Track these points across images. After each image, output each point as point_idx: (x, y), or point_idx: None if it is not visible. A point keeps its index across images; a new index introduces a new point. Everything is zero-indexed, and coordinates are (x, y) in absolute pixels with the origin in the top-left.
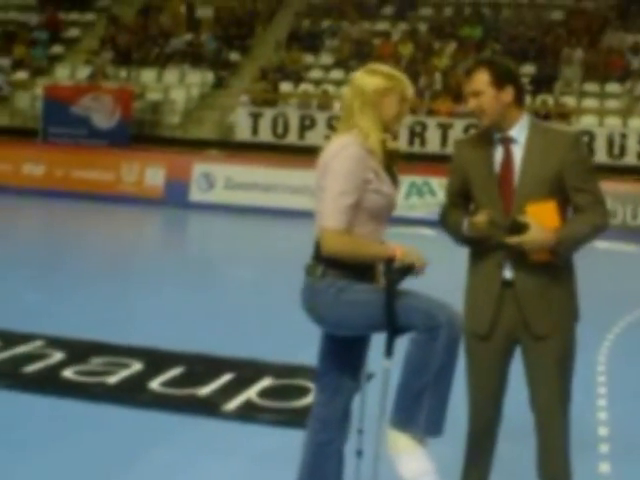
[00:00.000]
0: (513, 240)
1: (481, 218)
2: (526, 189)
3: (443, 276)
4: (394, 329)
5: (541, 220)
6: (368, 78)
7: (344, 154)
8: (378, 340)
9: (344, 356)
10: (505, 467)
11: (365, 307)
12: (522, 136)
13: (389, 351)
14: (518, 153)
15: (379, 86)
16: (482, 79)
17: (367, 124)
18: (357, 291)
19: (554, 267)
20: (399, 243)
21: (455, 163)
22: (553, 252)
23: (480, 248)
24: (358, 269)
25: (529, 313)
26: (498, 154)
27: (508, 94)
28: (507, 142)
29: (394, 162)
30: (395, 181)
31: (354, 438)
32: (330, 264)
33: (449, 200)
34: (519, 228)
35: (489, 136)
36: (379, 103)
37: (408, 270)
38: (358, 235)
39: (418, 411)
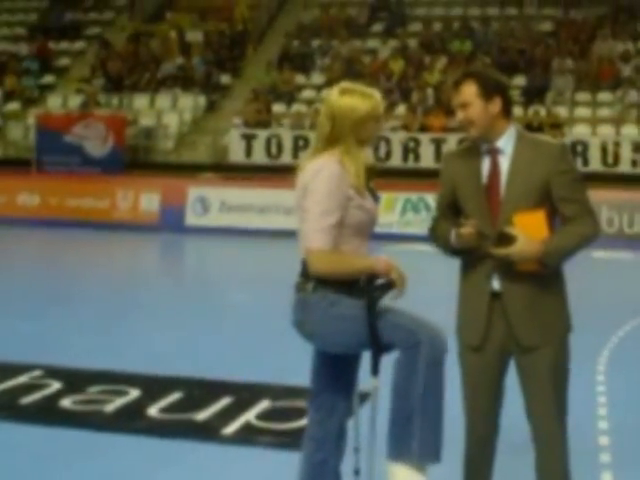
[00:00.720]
0: (500, 252)
1: (467, 229)
2: (512, 200)
3: (440, 291)
4: (378, 347)
5: (529, 230)
6: (346, 100)
7: (323, 174)
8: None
9: (337, 375)
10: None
11: (351, 323)
12: (509, 147)
13: (375, 369)
14: (505, 164)
15: (360, 113)
16: (470, 91)
17: (344, 146)
18: (346, 307)
19: (542, 278)
20: (382, 257)
21: (444, 175)
22: (541, 263)
23: (470, 259)
24: (348, 283)
25: (517, 325)
26: (485, 165)
27: (496, 105)
28: (494, 153)
29: (371, 178)
30: (374, 196)
31: (351, 457)
32: (320, 279)
33: (439, 212)
34: (506, 239)
35: (477, 148)
36: (359, 127)
37: (388, 286)
38: (344, 252)
39: (409, 438)
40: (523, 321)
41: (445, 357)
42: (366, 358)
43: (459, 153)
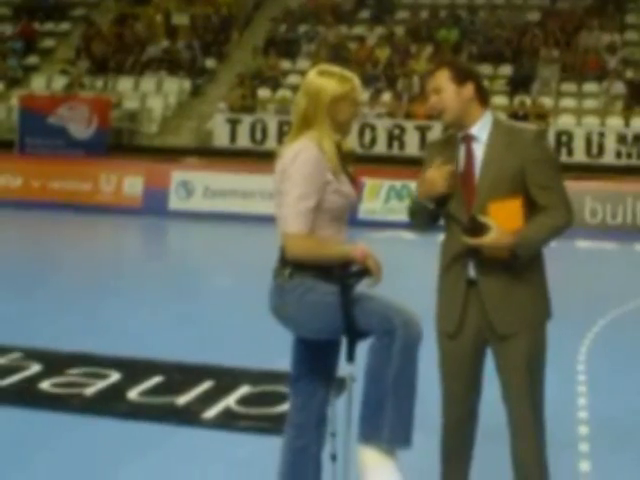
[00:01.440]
0: (473, 242)
1: (430, 171)
2: (486, 187)
3: (422, 279)
4: (354, 333)
5: (503, 219)
6: (323, 81)
7: (302, 158)
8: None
9: (317, 360)
10: (487, 468)
11: (326, 309)
12: (484, 134)
13: (350, 355)
14: (480, 151)
15: (335, 92)
16: (443, 76)
17: (321, 127)
18: (322, 293)
19: (518, 266)
20: (359, 244)
21: (426, 164)
22: (512, 253)
23: (448, 247)
24: (325, 269)
25: (492, 313)
26: (462, 153)
27: (468, 90)
28: (468, 140)
29: (349, 163)
30: (353, 181)
31: (328, 442)
32: (297, 266)
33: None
34: (478, 227)
35: (456, 136)
36: (334, 109)
37: (363, 273)
38: (321, 238)
39: (381, 422)
40: (498, 309)
41: (419, 343)
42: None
43: (440, 142)
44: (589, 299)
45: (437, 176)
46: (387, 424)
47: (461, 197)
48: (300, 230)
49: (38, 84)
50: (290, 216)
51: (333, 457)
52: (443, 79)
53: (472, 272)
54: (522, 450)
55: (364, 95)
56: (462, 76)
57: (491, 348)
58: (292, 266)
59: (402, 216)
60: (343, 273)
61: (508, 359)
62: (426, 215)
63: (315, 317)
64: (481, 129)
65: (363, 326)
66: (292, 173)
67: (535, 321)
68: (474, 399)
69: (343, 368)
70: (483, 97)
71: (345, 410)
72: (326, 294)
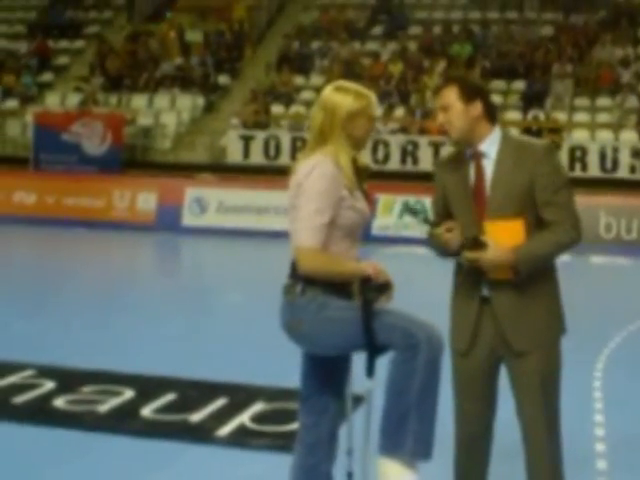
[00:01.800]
0: (470, 256)
1: (439, 230)
2: (496, 204)
3: (436, 295)
4: (374, 348)
5: (503, 238)
6: (339, 97)
7: (317, 172)
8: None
9: (326, 377)
10: None
11: (344, 325)
12: (493, 150)
13: (370, 371)
14: (489, 168)
15: (351, 108)
16: (451, 94)
17: (337, 143)
18: (338, 308)
19: (529, 282)
20: (371, 261)
21: (436, 182)
22: (514, 270)
23: (461, 265)
24: (337, 285)
25: (507, 330)
26: (472, 170)
27: (476, 108)
28: (478, 157)
29: (364, 179)
30: (367, 197)
31: (344, 459)
32: (309, 281)
33: (435, 218)
34: (477, 245)
35: (465, 153)
36: (350, 124)
37: (384, 288)
38: (333, 253)
39: (404, 435)
40: (514, 326)
41: (442, 356)
42: (357, 360)
43: (449, 159)
44: (604, 315)
45: (450, 237)
46: (410, 437)
47: (472, 214)
48: (313, 245)
49: (52, 101)
50: (303, 230)
51: (349, 475)
52: (451, 97)
53: (485, 290)
54: (538, 468)
55: (377, 111)
56: (470, 94)
57: (506, 365)
58: (304, 282)
59: (415, 232)
60: (364, 287)
61: (523, 376)
62: (439, 253)
63: (333, 333)
64: (490, 145)
65: (384, 341)
66: (307, 188)
67: (550, 338)
68: (488, 416)
69: (357, 383)
70: (492, 114)
71: (363, 426)
72: (341, 309)
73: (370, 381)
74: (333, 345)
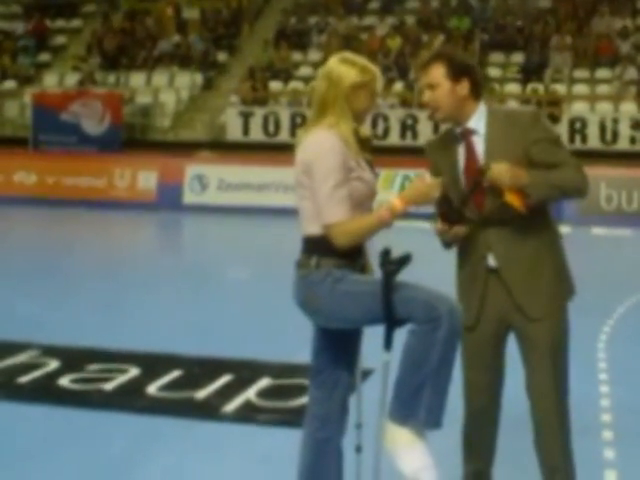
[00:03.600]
0: (486, 167)
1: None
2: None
3: (439, 269)
4: (392, 321)
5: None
6: (344, 69)
7: (325, 148)
8: (377, 335)
9: (339, 351)
10: (510, 458)
11: (362, 298)
12: (481, 126)
13: (388, 344)
14: (480, 144)
15: (356, 80)
16: (438, 72)
17: (339, 115)
18: (354, 282)
19: (537, 247)
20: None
21: (430, 165)
22: (524, 195)
23: (465, 240)
24: (351, 258)
25: (520, 297)
26: (462, 148)
27: (464, 87)
28: (467, 134)
29: (367, 149)
30: (372, 168)
31: (353, 433)
32: (323, 255)
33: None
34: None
35: (454, 131)
36: (353, 96)
37: (405, 260)
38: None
39: (418, 404)
40: (525, 291)
41: (461, 330)
42: (373, 335)
43: (439, 140)
44: (606, 286)
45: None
46: (423, 407)
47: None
48: (341, 218)
49: (50, 81)
50: (328, 207)
51: (358, 449)
52: (438, 75)
53: (492, 261)
54: (547, 437)
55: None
56: (458, 72)
57: (516, 332)
58: (318, 254)
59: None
60: (384, 260)
61: (534, 342)
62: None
63: (350, 307)
64: (478, 121)
65: (404, 314)
66: (319, 166)
67: (559, 304)
68: (496, 387)
69: (367, 357)
70: (478, 90)
71: (379, 399)
72: (358, 283)
73: (387, 354)
74: (350, 319)
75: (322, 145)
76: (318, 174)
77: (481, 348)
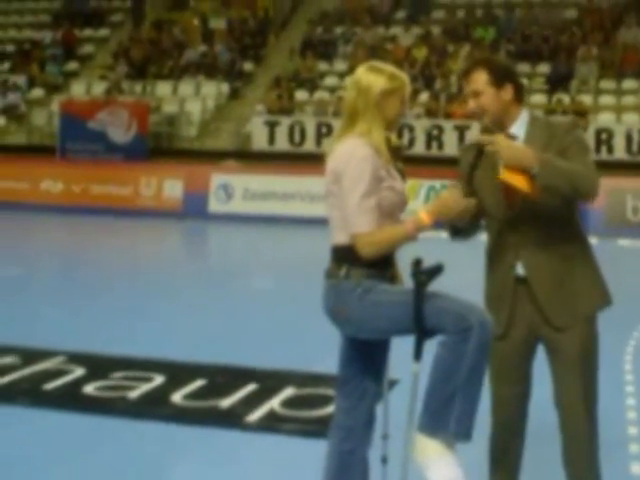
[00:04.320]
0: (486, 139)
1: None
2: None
3: (466, 279)
4: (423, 332)
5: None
6: (373, 77)
7: (356, 157)
8: (403, 345)
9: (366, 361)
10: (536, 469)
11: (392, 308)
12: (522, 132)
13: (418, 354)
14: None
15: (385, 87)
16: (481, 79)
17: (370, 123)
18: (384, 292)
19: (568, 256)
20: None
21: (461, 168)
22: (529, 175)
23: (494, 248)
24: (381, 268)
25: (546, 306)
26: None
27: (508, 92)
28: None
29: (399, 158)
30: (403, 177)
31: (379, 444)
32: (353, 264)
33: None
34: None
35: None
36: (383, 103)
37: (437, 271)
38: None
39: (447, 415)
40: (552, 301)
41: (491, 341)
42: (400, 345)
43: (475, 144)
44: (633, 298)
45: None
46: (454, 418)
47: (503, 199)
48: (368, 229)
49: (78, 90)
50: (356, 217)
51: (384, 460)
52: (481, 82)
53: (520, 270)
54: (576, 450)
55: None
56: (500, 78)
57: (544, 343)
58: (348, 264)
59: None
60: (416, 271)
61: (563, 353)
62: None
63: (380, 317)
64: (519, 127)
65: (434, 324)
66: (349, 175)
67: (590, 311)
68: (524, 400)
69: (397, 369)
70: (520, 95)
71: (407, 410)
72: (388, 293)
73: (416, 365)
74: (379, 329)
75: (353, 154)
76: (347, 183)
77: (510, 359)
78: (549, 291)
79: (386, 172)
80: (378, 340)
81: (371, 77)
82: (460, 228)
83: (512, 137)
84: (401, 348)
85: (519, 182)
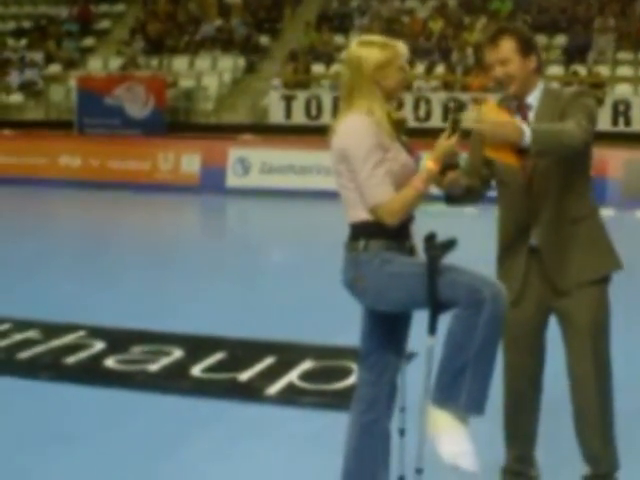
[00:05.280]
0: (469, 117)
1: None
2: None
3: (482, 251)
4: (437, 305)
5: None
6: (364, 51)
7: (359, 131)
8: (420, 318)
9: (388, 335)
10: (554, 441)
11: (408, 280)
12: (535, 102)
13: (432, 328)
14: (532, 119)
15: (378, 59)
16: (509, 47)
17: (368, 99)
18: (401, 264)
19: (575, 223)
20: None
21: (476, 137)
22: (518, 150)
23: (506, 218)
24: (399, 239)
25: (553, 271)
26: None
27: (532, 62)
28: (524, 109)
29: (401, 132)
30: (409, 150)
31: (397, 416)
32: (370, 237)
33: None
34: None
35: (507, 106)
36: (379, 76)
37: (450, 245)
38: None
39: (458, 388)
40: (558, 265)
41: (504, 314)
42: (418, 318)
43: (451, 120)
44: None
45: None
46: (466, 391)
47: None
48: (386, 197)
49: (95, 65)
50: (372, 189)
51: (401, 432)
52: (509, 50)
53: (534, 240)
54: (587, 424)
55: (419, 68)
56: (527, 47)
57: (556, 314)
58: (365, 237)
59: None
60: (429, 245)
61: (574, 321)
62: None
63: (397, 288)
64: (534, 98)
65: (448, 297)
66: (356, 152)
67: (595, 274)
68: (537, 370)
69: (415, 342)
70: (541, 67)
71: (422, 383)
72: (405, 264)
73: (431, 338)
74: (396, 300)
75: (355, 129)
76: (355, 158)
77: (523, 328)
78: (555, 255)
79: (390, 143)
80: (398, 313)
81: (362, 52)
82: (456, 195)
83: (527, 106)
84: (418, 322)
85: (506, 158)
